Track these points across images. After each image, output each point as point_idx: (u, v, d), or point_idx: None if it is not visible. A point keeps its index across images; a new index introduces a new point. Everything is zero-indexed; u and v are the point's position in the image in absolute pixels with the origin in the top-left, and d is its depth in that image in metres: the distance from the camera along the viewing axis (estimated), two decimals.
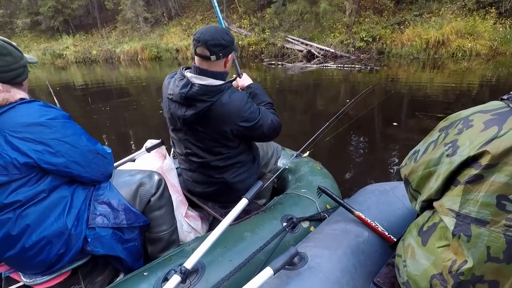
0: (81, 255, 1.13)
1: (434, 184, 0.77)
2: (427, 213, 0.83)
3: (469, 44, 9.66)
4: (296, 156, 1.90)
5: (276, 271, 0.86)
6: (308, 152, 1.97)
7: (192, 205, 1.71)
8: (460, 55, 9.70)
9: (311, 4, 11.79)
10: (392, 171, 2.93)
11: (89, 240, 1.09)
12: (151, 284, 1.03)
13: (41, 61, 16.41)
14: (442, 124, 0.83)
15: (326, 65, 9.80)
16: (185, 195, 1.68)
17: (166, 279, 1.02)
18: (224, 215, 1.46)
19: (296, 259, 0.97)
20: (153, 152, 1.73)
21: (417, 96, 5.62)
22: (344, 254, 1.03)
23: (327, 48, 11.48)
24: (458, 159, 0.70)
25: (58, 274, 1.11)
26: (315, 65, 10.09)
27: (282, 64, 10.62)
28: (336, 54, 11.32)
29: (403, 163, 0.96)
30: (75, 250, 1.07)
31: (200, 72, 1.29)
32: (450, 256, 0.71)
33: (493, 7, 10.17)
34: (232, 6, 15.59)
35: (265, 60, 11.91)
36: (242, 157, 1.45)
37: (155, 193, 1.26)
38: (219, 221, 1.45)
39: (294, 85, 7.51)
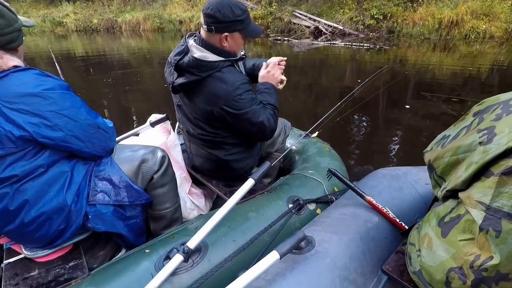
0: (82, 231, 1.11)
1: (463, 173, 0.70)
2: (450, 203, 0.77)
3: (484, 26, 9.23)
4: (304, 136, 1.83)
5: (282, 255, 0.83)
6: (317, 133, 1.90)
7: (196, 182, 1.68)
8: (473, 37, 9.34)
9: None
10: (402, 155, 2.86)
11: (89, 217, 1.06)
12: (152, 262, 1.01)
13: (40, 29, 15.97)
14: (476, 108, 0.76)
15: (334, 42, 9.48)
16: (189, 172, 1.64)
17: (168, 258, 1.00)
18: (228, 193, 1.43)
19: (303, 243, 0.94)
20: (157, 127, 1.68)
21: (427, 78, 5.44)
22: (353, 240, 0.99)
23: (336, 25, 10.99)
24: (494, 148, 0.64)
25: (59, 248, 1.09)
26: (322, 42, 9.75)
27: (288, 40, 10.24)
28: (344, 31, 10.86)
29: (428, 147, 0.90)
30: (75, 226, 1.05)
31: (201, 42, 1.23)
32: (473, 251, 0.66)
33: None
34: None
35: (271, 35, 11.48)
36: (232, 138, 1.39)
37: (158, 170, 1.21)
38: (222, 199, 1.43)
39: (300, 63, 7.28)
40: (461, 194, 0.72)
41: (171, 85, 1.31)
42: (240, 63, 1.40)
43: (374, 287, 0.93)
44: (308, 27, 11.48)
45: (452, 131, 0.82)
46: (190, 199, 1.56)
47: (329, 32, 11.00)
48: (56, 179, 1.01)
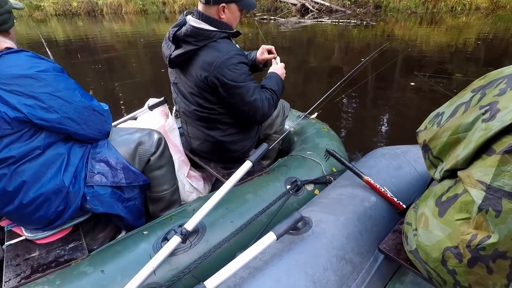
0: (82, 212, 1.12)
1: (461, 151, 0.68)
2: (447, 183, 0.76)
3: None
4: (303, 118, 1.81)
5: (279, 236, 0.83)
6: (316, 114, 1.88)
7: (194, 165, 1.68)
8: (459, 9, 9.41)
9: None
10: (403, 134, 2.84)
11: (88, 198, 1.06)
12: (151, 243, 1.02)
13: (17, 14, 15.43)
14: (477, 83, 0.72)
15: (321, 20, 9.42)
16: (187, 156, 1.63)
17: (166, 239, 1.01)
18: (226, 176, 1.43)
19: (300, 224, 0.94)
20: (155, 110, 1.66)
21: (427, 55, 5.33)
22: (350, 220, 0.99)
23: (322, 2, 10.82)
24: (497, 125, 0.61)
25: (59, 230, 1.11)
26: (309, 20, 9.66)
27: (274, 19, 10.02)
28: (331, 8, 10.74)
29: (421, 127, 0.87)
30: (74, 208, 1.05)
31: (198, 15, 1.23)
32: (469, 230, 0.65)
33: None
34: None
35: (256, 14, 11.23)
36: (228, 117, 1.37)
37: (154, 152, 1.21)
38: (221, 182, 1.43)
39: (288, 43, 7.14)
40: (460, 173, 0.70)
41: (168, 59, 1.31)
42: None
43: (371, 266, 0.94)
44: (295, 4, 11.25)
45: (446, 109, 0.79)
46: (189, 182, 1.56)
47: (316, 9, 10.85)
48: (53, 161, 1.01)
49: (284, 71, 1.48)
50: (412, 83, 3.95)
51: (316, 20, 9.48)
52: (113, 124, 1.39)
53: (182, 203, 1.41)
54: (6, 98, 0.89)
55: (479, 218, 0.63)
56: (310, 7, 10.87)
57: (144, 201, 1.29)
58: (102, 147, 1.12)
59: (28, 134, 0.95)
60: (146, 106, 1.68)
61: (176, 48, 1.28)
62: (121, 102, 4.03)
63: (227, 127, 1.40)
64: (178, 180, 1.38)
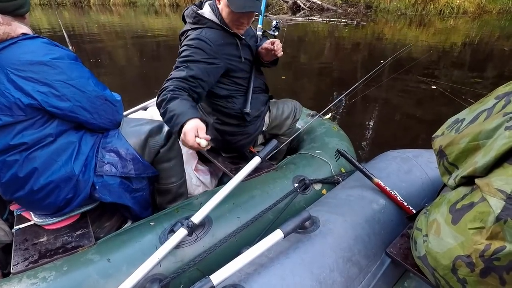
0: (90, 201, 1.12)
1: (481, 159, 0.66)
2: (463, 190, 0.74)
3: (458, 1, 9.52)
4: (315, 118, 1.78)
5: (286, 234, 0.83)
6: (330, 114, 1.84)
7: (202, 159, 1.68)
8: (447, 12, 9.58)
9: None
10: (413, 137, 2.80)
11: (97, 187, 1.07)
12: (157, 234, 1.02)
13: None
14: (501, 89, 0.70)
15: (312, 18, 9.42)
16: None
17: (172, 231, 1.01)
18: (234, 170, 1.43)
19: (307, 223, 0.93)
20: None
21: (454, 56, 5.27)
22: (358, 222, 0.98)
23: (314, 0, 10.75)
24: None
25: (67, 216, 1.12)
26: (300, 18, 9.65)
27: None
28: (322, 6, 10.69)
29: (438, 132, 0.84)
30: (83, 196, 1.06)
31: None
32: (482, 240, 0.64)
33: None
34: None
35: None
36: (219, 101, 1.38)
37: (164, 145, 1.21)
38: (228, 177, 1.42)
39: (281, 39, 7.09)
40: (478, 181, 0.68)
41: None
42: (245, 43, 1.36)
43: (377, 269, 0.93)
44: (286, 1, 11.17)
45: (467, 115, 0.77)
46: (196, 176, 1.56)
47: (308, 7, 10.80)
48: (64, 149, 1.02)
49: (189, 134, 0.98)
50: (424, 87, 3.89)
51: (308, 18, 9.50)
52: (124, 113, 1.39)
53: (188, 196, 1.42)
54: (21, 85, 0.90)
55: (496, 228, 0.61)
56: (302, 5, 10.84)
57: (151, 192, 1.30)
58: (113, 137, 1.12)
59: (41, 121, 0.96)
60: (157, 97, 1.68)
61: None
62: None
63: (220, 114, 1.41)
64: (185, 173, 1.38)
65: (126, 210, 1.19)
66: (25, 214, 1.16)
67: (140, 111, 1.92)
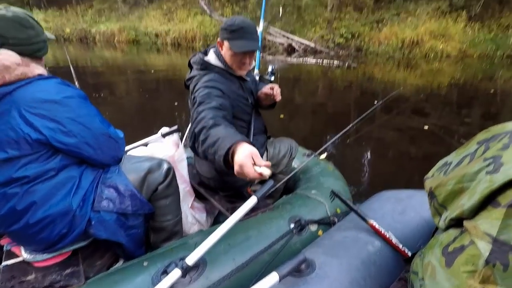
0: (83, 237, 1.11)
1: (466, 201, 0.69)
2: (453, 232, 0.75)
3: (441, 46, 10.24)
4: (310, 158, 1.82)
5: (282, 277, 0.82)
6: (325, 154, 1.89)
7: (199, 197, 1.68)
8: (432, 56, 10.22)
9: None
10: (409, 177, 2.83)
11: (92, 223, 1.06)
12: (150, 275, 1.00)
13: None
14: (481, 135, 0.75)
15: (306, 59, 9.96)
16: (192, 186, 1.64)
17: (166, 272, 0.98)
18: (230, 209, 1.43)
19: (303, 266, 0.92)
20: (167, 138, 1.70)
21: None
22: (354, 265, 0.97)
23: (308, 43, 11.48)
24: (501, 178, 0.63)
25: (58, 253, 1.10)
26: (295, 59, 10.18)
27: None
28: (316, 49, 11.37)
29: (429, 174, 0.88)
30: (77, 232, 1.05)
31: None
32: (477, 284, 0.64)
33: (464, 11, 10.80)
34: None
35: None
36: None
37: (163, 182, 1.22)
38: (224, 215, 1.42)
39: (278, 80, 7.46)
40: (466, 223, 0.70)
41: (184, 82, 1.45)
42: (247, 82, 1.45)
43: None
44: (282, 44, 11.89)
45: (454, 158, 0.81)
46: (192, 214, 1.55)
47: (302, 49, 11.49)
48: (65, 183, 1.03)
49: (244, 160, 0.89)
50: (418, 127, 4.03)
51: (302, 59, 10.06)
52: (125, 149, 1.42)
53: (183, 235, 1.40)
54: (31, 120, 0.93)
55: (487, 271, 0.62)
56: (296, 47, 11.56)
57: (146, 230, 1.28)
58: (113, 172, 1.14)
59: (45, 156, 0.98)
60: (159, 134, 1.72)
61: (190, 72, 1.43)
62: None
63: None
64: (181, 210, 1.38)
65: (119, 248, 1.17)
66: (14, 249, 1.14)
67: (141, 147, 1.95)
